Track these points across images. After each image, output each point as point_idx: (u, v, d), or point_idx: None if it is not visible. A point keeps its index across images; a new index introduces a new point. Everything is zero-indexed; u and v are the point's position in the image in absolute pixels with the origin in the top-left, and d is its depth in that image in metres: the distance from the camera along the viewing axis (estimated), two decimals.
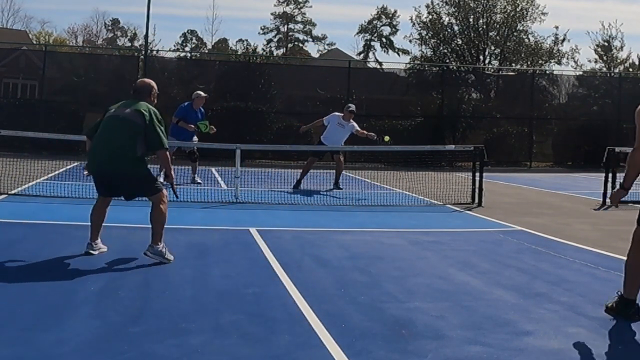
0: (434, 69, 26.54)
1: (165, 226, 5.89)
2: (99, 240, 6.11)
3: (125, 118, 5.92)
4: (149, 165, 6.08)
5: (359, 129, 12.36)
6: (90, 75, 22.06)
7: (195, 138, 12.43)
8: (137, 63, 22.28)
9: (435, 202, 10.97)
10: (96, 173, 6.01)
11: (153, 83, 6.27)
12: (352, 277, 5.54)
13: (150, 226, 5.85)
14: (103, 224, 6.18)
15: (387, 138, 12.26)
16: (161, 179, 8.84)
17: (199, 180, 12.34)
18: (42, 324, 3.94)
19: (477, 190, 10.77)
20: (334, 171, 12.52)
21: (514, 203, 11.49)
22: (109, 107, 6.26)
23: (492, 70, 29.58)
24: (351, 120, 12.27)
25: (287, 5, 58.60)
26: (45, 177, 11.95)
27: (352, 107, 12.39)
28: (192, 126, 12.14)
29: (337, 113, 12.47)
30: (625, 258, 4.66)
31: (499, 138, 22.12)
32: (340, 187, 12.30)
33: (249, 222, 8.00)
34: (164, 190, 6.00)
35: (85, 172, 6.24)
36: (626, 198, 4.83)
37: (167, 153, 6.02)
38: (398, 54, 55.06)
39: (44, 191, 10.05)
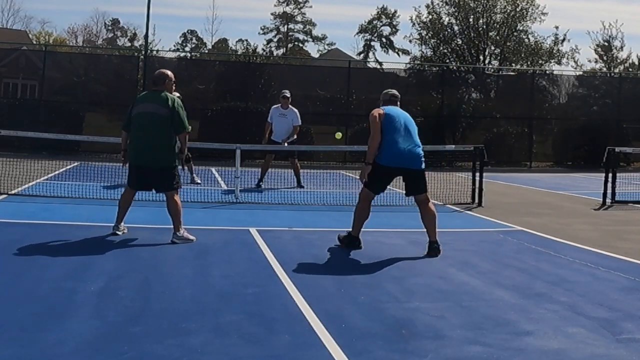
0: (434, 69, 26.53)
1: (165, 226, 5.91)
2: (122, 223, 6.90)
3: (154, 114, 6.63)
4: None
5: (299, 122, 12.19)
6: (90, 75, 22.05)
7: None
8: (137, 63, 22.23)
9: (435, 202, 10.92)
10: (136, 166, 6.75)
11: (168, 72, 7.08)
12: (352, 277, 5.54)
13: (149, 226, 5.84)
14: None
15: (338, 135, 12.14)
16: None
17: (198, 180, 12.34)
18: (42, 324, 3.94)
19: (477, 190, 10.77)
20: (293, 172, 12.46)
21: (514, 203, 11.49)
22: (136, 100, 6.97)
23: (492, 70, 29.57)
24: (291, 107, 12.11)
25: (287, 5, 58.68)
26: (45, 177, 11.95)
27: (286, 92, 12.26)
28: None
29: (274, 105, 12.35)
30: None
31: (499, 138, 22.10)
32: (303, 185, 12.28)
33: (249, 222, 8.00)
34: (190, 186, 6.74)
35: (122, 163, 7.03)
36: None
37: (187, 135, 6.82)
38: (398, 54, 55.14)
39: (44, 191, 10.04)
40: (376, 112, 6.69)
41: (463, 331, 4.12)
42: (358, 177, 6.77)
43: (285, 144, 12.10)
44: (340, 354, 3.64)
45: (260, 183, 12.18)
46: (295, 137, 12.26)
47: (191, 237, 6.70)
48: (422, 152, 6.66)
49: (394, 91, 7.18)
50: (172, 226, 6.69)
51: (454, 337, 4.02)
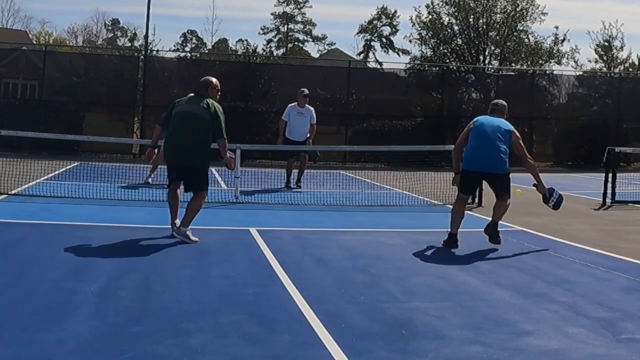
0: (434, 69, 26.52)
1: (165, 226, 5.91)
2: (177, 220, 6.90)
3: (196, 114, 6.78)
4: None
5: (315, 120, 12.18)
6: (90, 75, 22.03)
7: None
8: (137, 63, 22.23)
9: (435, 202, 10.97)
10: (173, 164, 6.88)
11: (212, 79, 7.22)
12: (352, 277, 5.54)
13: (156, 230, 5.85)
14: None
15: (518, 193, 9.15)
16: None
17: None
18: (42, 324, 3.94)
19: (477, 190, 10.75)
20: (297, 170, 12.33)
21: (514, 203, 11.44)
22: (177, 101, 7.11)
23: (492, 70, 29.56)
24: (307, 106, 12.09)
25: (287, 5, 58.66)
26: (45, 177, 11.95)
27: (305, 90, 12.22)
28: None
29: (291, 104, 12.21)
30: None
31: None
32: (300, 185, 12.18)
33: (249, 222, 8.00)
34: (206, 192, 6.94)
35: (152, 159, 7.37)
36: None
37: (226, 141, 6.94)
38: (398, 54, 55.11)
39: (44, 191, 10.04)
40: (470, 124, 7.32)
41: (463, 331, 4.12)
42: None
43: (311, 142, 12.15)
44: (340, 354, 3.64)
45: (290, 184, 12.13)
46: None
47: (193, 238, 6.70)
48: (502, 157, 7.03)
49: (498, 101, 7.68)
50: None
51: (454, 337, 4.02)
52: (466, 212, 10.01)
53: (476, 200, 10.70)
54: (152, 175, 11.79)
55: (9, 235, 6.74)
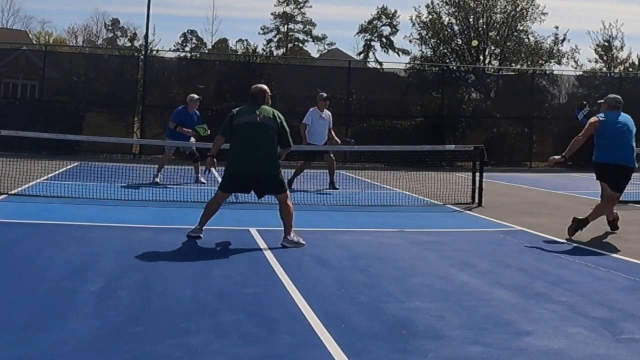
0: (434, 69, 26.52)
1: (165, 226, 5.90)
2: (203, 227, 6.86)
3: (264, 125, 6.72)
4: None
5: (332, 125, 12.48)
6: (90, 75, 22.04)
7: (192, 139, 12.38)
8: (137, 63, 22.23)
9: (435, 202, 10.97)
10: (241, 176, 6.76)
11: (266, 87, 7.12)
12: (352, 277, 5.54)
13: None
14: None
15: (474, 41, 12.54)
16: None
17: (204, 180, 12.29)
18: (42, 324, 3.94)
19: (477, 190, 10.77)
20: (327, 171, 12.53)
21: (514, 203, 11.50)
22: (235, 112, 6.99)
23: (492, 70, 29.56)
24: (326, 110, 12.30)
25: (287, 5, 58.59)
26: (45, 177, 11.95)
27: (324, 94, 12.45)
28: (190, 131, 12.13)
29: (311, 109, 12.40)
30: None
31: (499, 138, 22.09)
32: (337, 186, 12.30)
33: (249, 222, 8.00)
34: (288, 191, 6.94)
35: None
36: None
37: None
38: (398, 54, 55.03)
39: (44, 191, 10.04)
40: (593, 119, 8.13)
41: (463, 331, 4.12)
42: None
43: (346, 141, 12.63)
44: (340, 354, 3.64)
45: (291, 185, 12.19)
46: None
47: (302, 240, 6.72)
48: (633, 153, 7.88)
49: (618, 96, 8.50)
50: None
51: (454, 337, 4.02)
52: (466, 212, 10.06)
53: (476, 200, 10.71)
54: (160, 175, 11.88)
55: (9, 235, 6.74)
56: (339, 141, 12.95)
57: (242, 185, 6.89)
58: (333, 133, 12.60)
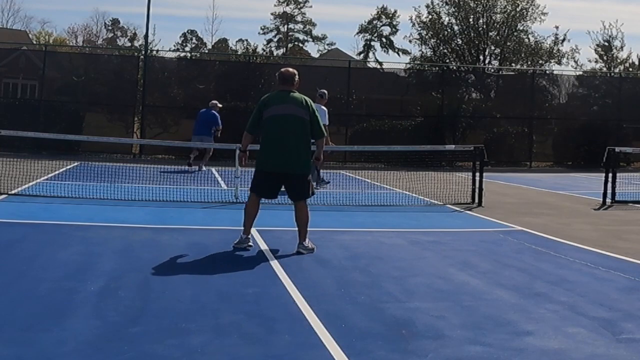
0: (434, 69, 26.52)
1: (165, 226, 5.90)
2: (250, 235, 6.50)
3: (296, 116, 6.25)
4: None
5: (327, 122, 12.33)
6: (90, 75, 22.03)
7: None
8: (137, 63, 22.21)
9: (435, 202, 10.97)
10: (271, 173, 6.32)
11: (295, 70, 6.61)
12: (352, 277, 5.54)
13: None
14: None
15: None
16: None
17: (196, 169, 14.31)
18: (42, 324, 3.94)
19: (477, 190, 10.77)
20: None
21: (514, 203, 11.49)
22: (265, 99, 6.46)
23: (492, 70, 29.56)
24: (322, 107, 12.15)
25: (287, 5, 58.60)
26: (45, 177, 11.95)
27: (324, 91, 12.50)
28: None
29: (320, 106, 12.16)
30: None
31: (499, 138, 22.09)
32: (327, 180, 12.32)
33: None
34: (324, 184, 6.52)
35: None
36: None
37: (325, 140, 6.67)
38: (398, 54, 55.00)
39: (44, 191, 10.04)
40: None
41: (463, 331, 4.12)
42: None
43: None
44: (340, 354, 3.64)
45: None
46: None
47: (314, 245, 6.49)
48: None
49: None
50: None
51: (454, 337, 4.02)
52: (466, 212, 10.06)
53: (476, 200, 10.71)
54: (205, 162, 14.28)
55: (9, 235, 6.74)
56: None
57: (274, 184, 6.41)
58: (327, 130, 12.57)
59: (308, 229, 6.49)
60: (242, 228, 6.53)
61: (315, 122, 6.35)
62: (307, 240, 6.46)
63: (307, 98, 6.43)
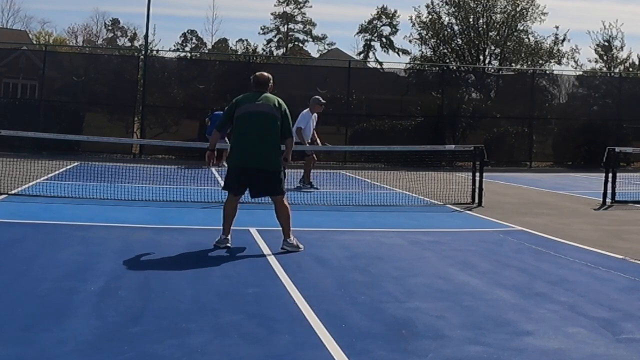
0: (434, 69, 26.52)
1: (165, 226, 5.90)
2: (229, 235, 6.47)
3: (267, 114, 6.39)
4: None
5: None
6: (90, 75, 22.03)
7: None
8: (137, 63, 22.22)
9: (435, 202, 10.97)
10: (242, 169, 6.39)
11: (269, 75, 6.80)
12: (352, 277, 5.54)
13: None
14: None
15: None
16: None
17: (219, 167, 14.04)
18: (42, 324, 3.94)
19: (477, 190, 10.77)
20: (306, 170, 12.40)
21: (514, 203, 11.49)
22: (237, 100, 6.61)
23: (492, 70, 29.56)
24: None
25: (287, 5, 58.61)
26: (45, 177, 11.94)
27: (318, 97, 12.41)
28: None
29: (305, 111, 12.18)
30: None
31: (499, 138, 22.09)
32: (316, 186, 12.22)
33: (249, 222, 7.99)
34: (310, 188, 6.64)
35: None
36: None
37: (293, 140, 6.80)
38: (398, 54, 55.02)
39: (44, 191, 10.04)
40: None
41: (463, 331, 4.12)
42: None
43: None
44: (340, 354, 3.64)
45: (312, 184, 12.24)
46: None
47: (301, 245, 6.47)
48: None
49: None
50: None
51: (454, 337, 4.02)
52: (466, 212, 10.07)
53: (476, 200, 10.71)
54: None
55: (9, 235, 6.74)
56: (320, 143, 12.84)
57: (245, 181, 6.44)
58: (316, 134, 12.53)
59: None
60: (222, 228, 6.52)
61: (285, 121, 6.48)
62: (291, 237, 6.46)
63: (280, 99, 6.54)
